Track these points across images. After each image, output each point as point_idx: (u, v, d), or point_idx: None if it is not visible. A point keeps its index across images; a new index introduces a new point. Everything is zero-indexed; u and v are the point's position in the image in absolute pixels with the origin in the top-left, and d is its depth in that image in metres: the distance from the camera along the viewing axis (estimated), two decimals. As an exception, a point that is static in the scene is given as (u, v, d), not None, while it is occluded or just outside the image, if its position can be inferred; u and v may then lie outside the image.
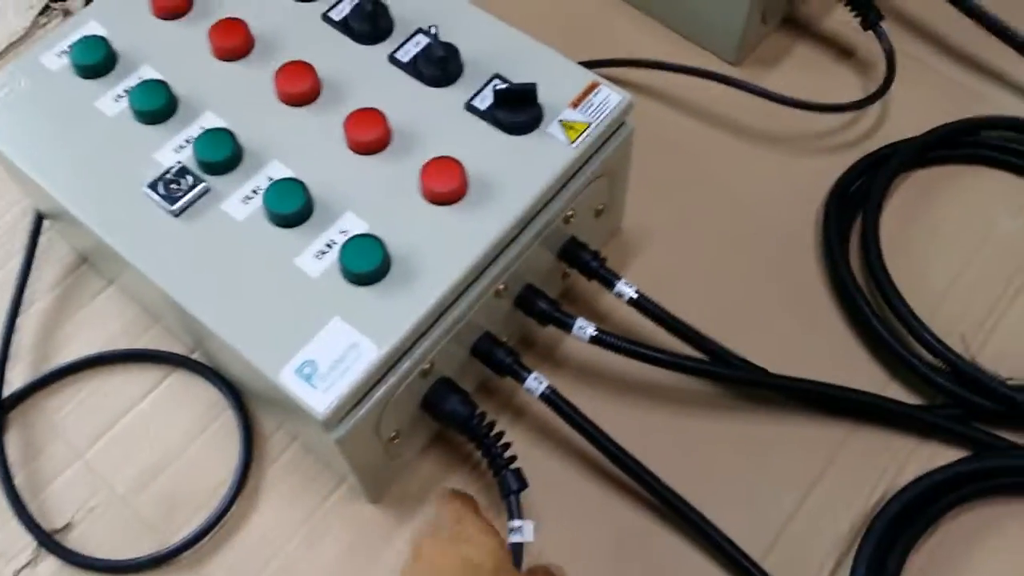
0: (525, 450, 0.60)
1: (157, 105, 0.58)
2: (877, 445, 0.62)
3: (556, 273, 0.64)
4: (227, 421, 0.63)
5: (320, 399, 0.49)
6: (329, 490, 0.61)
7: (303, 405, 0.49)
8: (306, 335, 0.51)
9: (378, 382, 0.51)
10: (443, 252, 0.53)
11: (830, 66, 0.79)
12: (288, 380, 0.49)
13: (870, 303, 0.65)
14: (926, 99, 0.76)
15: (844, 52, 0.79)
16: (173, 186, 0.55)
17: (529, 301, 0.60)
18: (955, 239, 0.70)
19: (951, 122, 0.72)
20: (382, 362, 0.50)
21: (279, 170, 0.56)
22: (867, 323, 0.64)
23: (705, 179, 0.73)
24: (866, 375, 0.64)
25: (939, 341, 0.62)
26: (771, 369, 0.62)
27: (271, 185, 0.55)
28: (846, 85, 0.77)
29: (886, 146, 0.73)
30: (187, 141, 0.57)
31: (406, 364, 0.52)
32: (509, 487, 0.55)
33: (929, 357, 0.63)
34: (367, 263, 0.52)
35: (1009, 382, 0.61)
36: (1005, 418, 0.61)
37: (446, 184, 0.54)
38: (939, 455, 0.60)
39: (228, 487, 0.60)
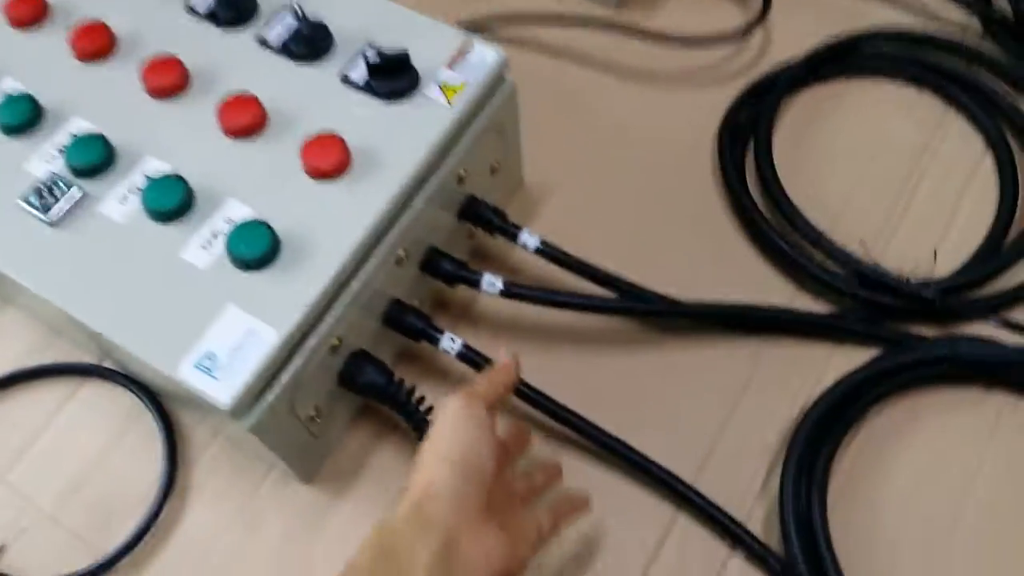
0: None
1: (22, 118, 0.54)
2: (793, 358, 0.60)
3: (461, 233, 0.61)
4: (147, 424, 0.59)
5: (223, 389, 0.46)
6: (260, 478, 0.58)
7: (207, 398, 0.46)
8: (201, 327, 0.48)
9: (284, 364, 0.49)
10: (333, 228, 0.50)
11: (707, 2, 0.76)
12: (188, 375, 0.46)
13: (770, 221, 0.63)
14: (805, 22, 0.74)
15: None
16: (47, 195, 0.51)
17: (434, 264, 0.57)
18: (849, 152, 0.69)
19: (830, 39, 0.70)
20: (283, 344, 0.47)
21: (155, 165, 0.53)
22: (769, 240, 0.63)
23: (600, 125, 0.71)
24: (774, 291, 0.63)
25: (840, 249, 0.61)
26: (682, 297, 0.60)
27: (150, 183, 0.51)
28: (725, 18, 0.75)
29: (770, 72, 0.71)
30: (58, 150, 0.53)
31: (311, 342, 0.49)
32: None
33: (832, 266, 0.62)
34: (255, 248, 0.49)
35: (911, 279, 0.60)
36: (912, 314, 0.60)
37: (328, 159, 0.51)
38: (854, 359, 0.58)
39: (156, 489, 0.57)
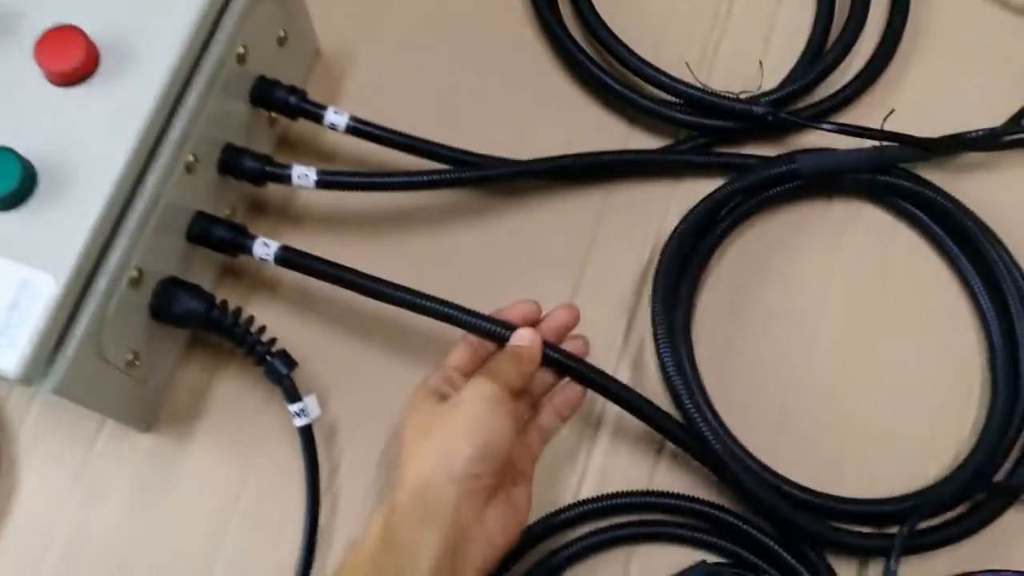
0: (294, 320, 0.53)
1: None
2: (637, 198, 0.57)
3: (260, 122, 0.54)
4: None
5: (5, 356, 0.39)
6: (92, 434, 0.52)
7: (-12, 369, 0.39)
8: (-41, 288, 0.39)
9: (77, 310, 0.42)
10: (94, 142, 0.42)
11: None
12: (-43, 347, 0.39)
13: (592, 58, 0.58)
14: None
15: None
16: None
17: (233, 163, 0.50)
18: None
19: None
20: (67, 290, 0.40)
21: None
22: (594, 78, 0.58)
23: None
24: (607, 131, 0.59)
25: (667, 76, 0.57)
26: (513, 154, 0.56)
27: None
28: None
29: None
30: None
31: (103, 280, 0.42)
32: (278, 373, 0.48)
33: (663, 95, 0.58)
34: (5, 182, 0.40)
35: (742, 96, 0.57)
36: (748, 133, 0.58)
37: (68, 59, 0.42)
38: (696, 191, 0.56)
39: (-27, 471, 0.50)
